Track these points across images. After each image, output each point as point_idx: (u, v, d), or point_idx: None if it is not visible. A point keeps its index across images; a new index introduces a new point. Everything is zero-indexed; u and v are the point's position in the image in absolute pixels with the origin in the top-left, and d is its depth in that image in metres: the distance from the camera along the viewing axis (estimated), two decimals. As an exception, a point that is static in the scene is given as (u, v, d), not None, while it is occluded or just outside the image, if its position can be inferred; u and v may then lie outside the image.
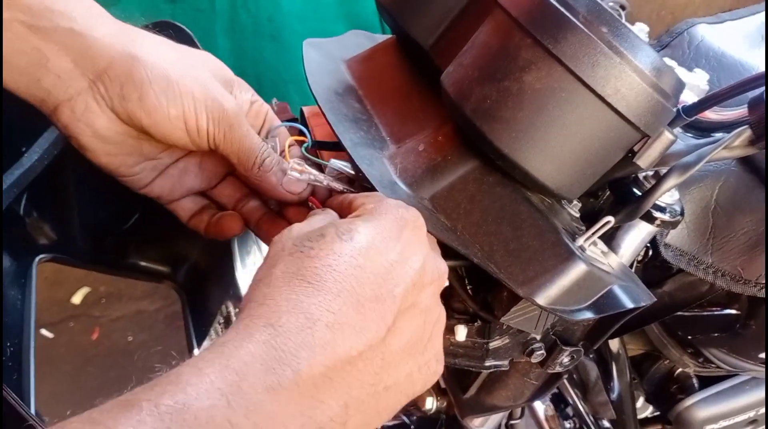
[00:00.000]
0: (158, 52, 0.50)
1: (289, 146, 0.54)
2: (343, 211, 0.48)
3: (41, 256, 0.72)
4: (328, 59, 0.65)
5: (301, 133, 0.57)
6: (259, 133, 0.58)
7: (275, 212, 0.59)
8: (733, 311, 0.78)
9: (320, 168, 0.53)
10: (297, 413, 0.35)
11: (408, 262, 0.42)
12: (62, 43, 0.46)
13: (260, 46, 1.29)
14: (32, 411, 0.57)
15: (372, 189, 0.48)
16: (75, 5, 0.47)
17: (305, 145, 0.54)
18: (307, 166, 0.52)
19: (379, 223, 0.42)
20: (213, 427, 0.31)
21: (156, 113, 0.49)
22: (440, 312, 0.46)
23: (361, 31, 0.74)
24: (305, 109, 0.66)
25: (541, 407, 1.09)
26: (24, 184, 0.58)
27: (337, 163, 0.52)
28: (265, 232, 0.58)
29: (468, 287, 0.54)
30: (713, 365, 0.85)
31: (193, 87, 0.49)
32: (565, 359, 0.58)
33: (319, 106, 0.56)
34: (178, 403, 0.31)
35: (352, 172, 0.52)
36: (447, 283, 0.46)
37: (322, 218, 0.45)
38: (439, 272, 0.45)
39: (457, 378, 0.69)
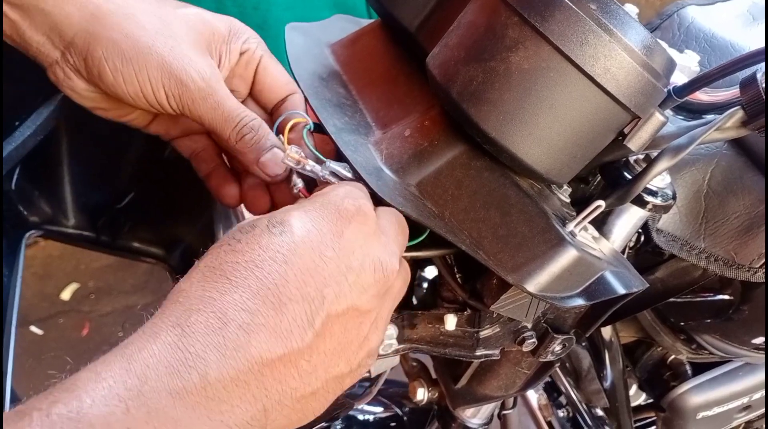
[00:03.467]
0: (120, 27, 0.49)
1: (289, 130, 0.52)
2: None
3: (32, 231, 0.70)
4: (312, 43, 0.64)
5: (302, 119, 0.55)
6: (252, 84, 0.58)
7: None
8: (726, 297, 0.77)
9: (318, 162, 0.51)
10: (204, 418, 0.32)
11: (345, 261, 0.38)
12: (34, 19, 0.49)
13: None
14: (8, 387, 0.55)
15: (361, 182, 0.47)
16: None
17: (307, 126, 0.52)
18: (303, 155, 0.50)
19: (317, 215, 0.39)
20: None
21: (115, 88, 0.50)
22: (380, 312, 0.42)
23: (346, 15, 0.72)
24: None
25: (534, 396, 1.08)
26: (16, 158, 0.56)
27: (334, 165, 0.50)
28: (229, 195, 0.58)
29: (457, 275, 0.53)
30: (706, 351, 0.85)
31: (149, 64, 0.49)
32: (556, 347, 0.57)
33: (302, 91, 0.54)
34: (71, 411, 0.29)
35: (348, 175, 0.49)
36: (404, 285, 0.44)
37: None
38: (384, 273, 0.41)
39: (448, 368, 0.68)
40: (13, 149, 0.59)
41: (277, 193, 0.57)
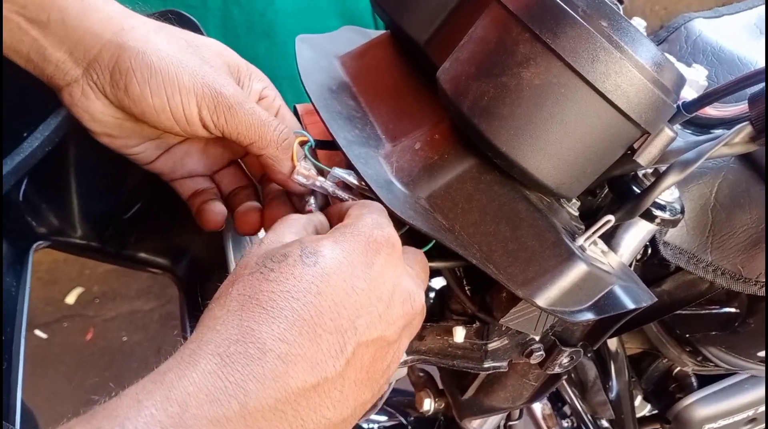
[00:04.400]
0: (148, 41, 0.49)
1: (296, 148, 0.52)
2: (335, 221, 0.46)
3: (39, 242, 0.70)
4: (321, 55, 0.64)
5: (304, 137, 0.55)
6: None
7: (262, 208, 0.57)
8: (732, 309, 0.78)
9: (322, 174, 0.52)
10: None
11: (376, 292, 0.39)
12: (56, 35, 0.47)
13: (253, 42, 1.28)
14: (18, 401, 0.55)
15: (372, 195, 0.47)
16: None
17: (308, 144, 0.52)
18: (313, 172, 0.50)
19: (348, 246, 0.39)
20: None
21: (141, 102, 0.48)
22: (402, 342, 0.43)
23: (354, 27, 0.72)
24: (298, 106, 0.65)
25: (538, 406, 1.08)
26: (24, 169, 0.56)
27: (339, 171, 0.50)
28: (250, 222, 0.56)
29: (466, 288, 0.53)
30: (711, 364, 0.85)
31: (181, 76, 0.48)
32: (564, 360, 0.57)
33: (312, 103, 0.55)
34: None
35: (355, 182, 0.50)
36: (421, 317, 0.44)
37: (293, 231, 0.43)
38: (413, 306, 0.41)
39: (455, 379, 0.68)
40: (21, 160, 0.59)
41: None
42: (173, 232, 0.81)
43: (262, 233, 0.63)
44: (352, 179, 0.49)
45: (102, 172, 0.72)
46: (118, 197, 0.77)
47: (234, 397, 0.33)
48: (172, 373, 0.33)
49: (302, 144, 0.52)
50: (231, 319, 0.35)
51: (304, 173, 0.50)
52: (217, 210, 0.56)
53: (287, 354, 0.35)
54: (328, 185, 0.51)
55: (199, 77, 0.49)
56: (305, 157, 0.51)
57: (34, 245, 0.69)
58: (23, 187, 0.65)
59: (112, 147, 0.53)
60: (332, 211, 0.48)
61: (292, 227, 0.43)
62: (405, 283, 0.41)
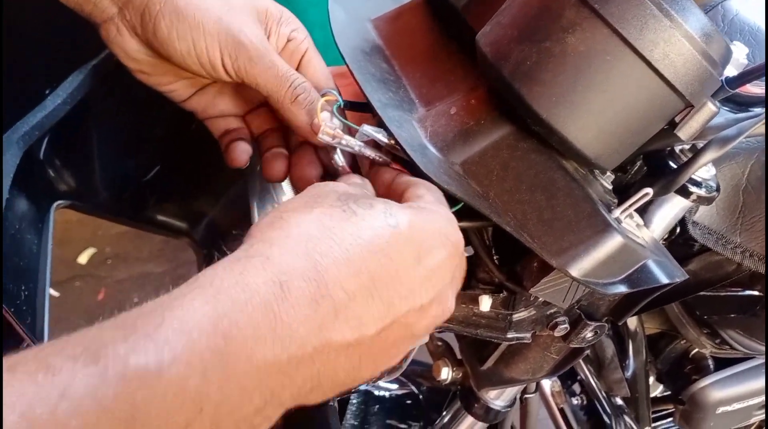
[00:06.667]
0: None
1: (321, 108, 0.51)
2: (388, 191, 0.46)
3: (59, 202, 0.70)
4: (354, 18, 0.63)
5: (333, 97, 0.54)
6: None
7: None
8: (755, 292, 0.77)
9: (350, 132, 0.51)
10: (266, 389, 0.32)
11: (428, 284, 0.39)
12: None
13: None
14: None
15: (403, 155, 0.46)
16: None
17: (336, 104, 0.51)
18: (339, 130, 0.50)
19: (425, 228, 0.39)
20: (185, 396, 0.28)
21: (168, 46, 0.49)
22: (420, 340, 0.44)
23: (388, -10, 0.71)
24: (329, 69, 0.64)
25: (547, 383, 1.08)
26: (45, 127, 0.56)
27: (369, 129, 0.49)
28: (277, 169, 0.56)
29: (495, 257, 0.53)
30: (729, 347, 0.84)
31: (206, 22, 0.49)
32: (588, 334, 0.57)
33: (347, 64, 0.54)
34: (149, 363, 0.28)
35: (385, 140, 0.49)
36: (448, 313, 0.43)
37: (361, 187, 0.43)
38: (444, 311, 0.41)
39: (474, 349, 0.68)
40: (43, 117, 0.58)
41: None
42: (192, 197, 0.81)
43: (286, 184, 0.63)
44: (381, 137, 0.48)
45: (122, 134, 0.72)
46: (138, 160, 0.77)
47: (280, 340, 0.32)
48: (225, 294, 0.31)
49: (330, 103, 0.52)
50: (298, 243, 0.34)
51: (329, 133, 0.50)
52: (244, 148, 0.57)
53: (342, 305, 0.34)
54: (354, 143, 0.50)
55: (223, 24, 0.49)
56: (332, 115, 0.51)
57: (54, 204, 0.69)
58: (44, 145, 0.65)
59: (148, 83, 0.54)
60: (378, 180, 0.48)
61: (355, 183, 0.44)
62: (449, 290, 0.41)
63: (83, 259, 2.12)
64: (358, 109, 0.56)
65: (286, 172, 0.56)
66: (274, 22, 0.55)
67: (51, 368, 0.27)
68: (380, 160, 0.50)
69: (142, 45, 0.51)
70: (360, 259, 0.35)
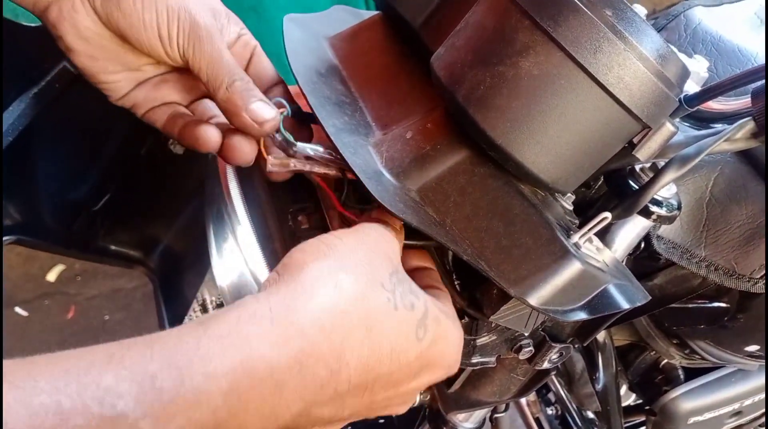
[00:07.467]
0: None
1: (265, 140, 0.51)
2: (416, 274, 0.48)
3: (6, 237, 0.68)
4: (310, 36, 0.62)
5: (282, 106, 0.53)
6: (245, 68, 0.57)
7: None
8: (722, 304, 0.77)
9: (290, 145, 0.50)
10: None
11: (412, 394, 0.43)
12: None
13: (240, 17, 1.24)
14: None
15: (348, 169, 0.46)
16: None
17: (284, 113, 0.51)
18: (285, 159, 0.50)
19: (442, 352, 0.42)
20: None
21: (132, 16, 0.49)
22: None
23: (346, 7, 0.70)
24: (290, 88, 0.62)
25: (523, 393, 1.07)
26: None
27: (303, 146, 0.49)
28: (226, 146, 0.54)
29: (456, 282, 0.52)
30: (699, 357, 0.84)
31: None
32: (553, 356, 0.56)
33: (300, 87, 0.52)
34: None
35: (322, 153, 0.50)
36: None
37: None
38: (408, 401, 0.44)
39: (441, 372, 0.66)
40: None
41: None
42: (144, 223, 0.79)
43: (241, 210, 0.60)
44: (322, 152, 0.50)
45: (68, 162, 0.70)
46: (87, 188, 0.74)
47: (275, 417, 0.35)
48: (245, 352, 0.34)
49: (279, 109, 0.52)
50: (333, 317, 0.37)
51: (277, 163, 0.50)
52: (209, 129, 0.53)
53: (338, 394, 0.37)
54: (301, 165, 0.50)
55: (185, 4, 0.50)
56: (278, 132, 0.51)
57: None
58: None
59: (90, 72, 0.53)
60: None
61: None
62: (415, 392, 0.44)
63: (52, 276, 2.07)
64: (307, 118, 0.54)
65: (218, 140, 0.54)
66: (224, 18, 0.56)
67: None
68: (332, 174, 0.50)
69: (97, 23, 0.50)
70: (377, 362, 0.38)
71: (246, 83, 0.51)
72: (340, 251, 0.40)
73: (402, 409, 0.44)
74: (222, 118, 0.55)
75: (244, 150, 0.53)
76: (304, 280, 0.37)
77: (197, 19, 0.51)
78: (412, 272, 0.49)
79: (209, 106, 0.59)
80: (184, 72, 0.56)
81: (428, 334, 0.41)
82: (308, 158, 0.51)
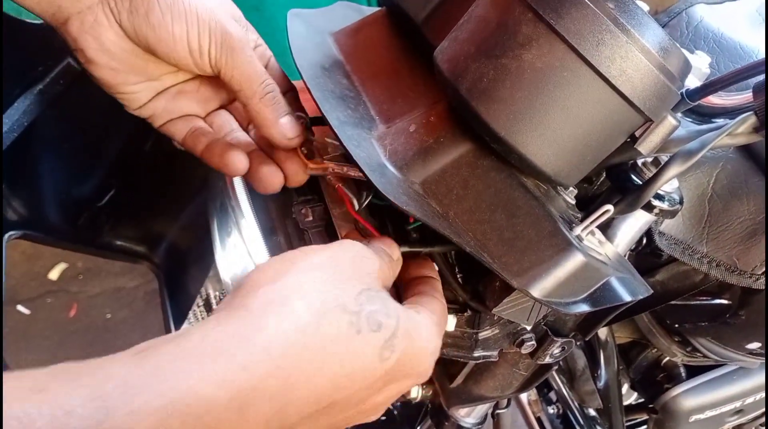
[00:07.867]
0: None
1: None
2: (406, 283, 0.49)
3: (11, 232, 0.68)
4: (314, 32, 0.62)
5: (302, 117, 0.54)
6: None
7: (263, 151, 0.56)
8: (724, 301, 0.77)
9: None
10: None
11: (379, 408, 0.42)
12: None
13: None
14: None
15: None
16: None
17: (305, 122, 0.52)
18: (326, 162, 0.52)
19: (412, 363, 0.41)
20: None
21: (160, 29, 0.49)
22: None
23: (349, 3, 0.70)
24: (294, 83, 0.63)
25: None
26: None
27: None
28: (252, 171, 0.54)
29: (458, 276, 0.52)
30: (700, 354, 0.84)
31: (199, 8, 0.49)
32: (555, 350, 0.56)
33: (304, 81, 0.53)
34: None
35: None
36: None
37: (389, 267, 0.46)
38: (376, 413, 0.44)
39: (443, 367, 0.67)
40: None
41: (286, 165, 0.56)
42: (149, 219, 0.79)
43: (245, 205, 0.61)
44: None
45: (74, 158, 0.70)
46: (92, 183, 0.75)
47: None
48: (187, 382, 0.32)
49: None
50: (285, 342, 0.35)
51: (317, 168, 0.52)
52: (238, 154, 0.53)
53: (288, 424, 0.36)
54: (338, 168, 0.52)
55: (214, 14, 0.50)
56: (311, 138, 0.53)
57: (6, 235, 0.67)
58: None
59: (110, 83, 0.52)
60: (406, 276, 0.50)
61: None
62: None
63: (54, 274, 2.08)
64: (320, 123, 0.55)
65: (245, 164, 0.54)
66: (246, 28, 0.55)
67: None
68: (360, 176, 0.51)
69: (121, 36, 0.49)
70: (333, 389, 0.36)
71: (276, 95, 0.52)
72: (301, 270, 0.38)
73: (373, 418, 0.44)
74: (239, 133, 0.57)
75: (273, 182, 0.54)
76: (254, 307, 0.36)
77: (228, 29, 0.50)
78: (411, 281, 0.49)
79: (226, 119, 0.59)
80: (204, 81, 0.56)
81: (394, 354, 0.39)
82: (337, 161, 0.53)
